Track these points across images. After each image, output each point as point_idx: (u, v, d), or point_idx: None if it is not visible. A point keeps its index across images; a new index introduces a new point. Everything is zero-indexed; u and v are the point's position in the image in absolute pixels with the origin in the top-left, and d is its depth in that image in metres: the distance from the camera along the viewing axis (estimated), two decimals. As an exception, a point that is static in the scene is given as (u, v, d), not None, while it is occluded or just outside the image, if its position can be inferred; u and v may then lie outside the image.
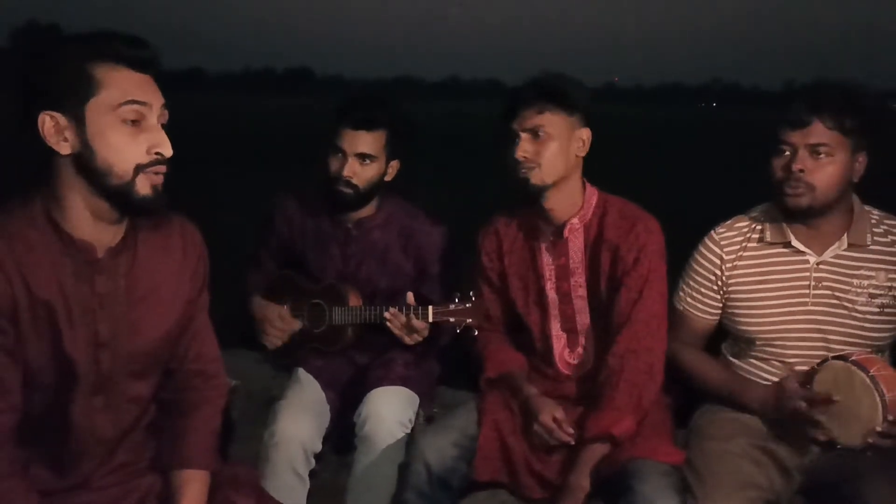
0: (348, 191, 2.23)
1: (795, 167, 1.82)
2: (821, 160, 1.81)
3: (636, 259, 1.93)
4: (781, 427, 1.90)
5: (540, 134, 1.91)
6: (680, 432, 2.04)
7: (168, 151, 1.38)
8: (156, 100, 1.39)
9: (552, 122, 1.92)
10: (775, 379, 1.93)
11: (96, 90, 1.33)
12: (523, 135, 1.93)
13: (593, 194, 2.02)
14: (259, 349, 2.47)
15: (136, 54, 1.36)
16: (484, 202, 2.79)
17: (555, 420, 1.92)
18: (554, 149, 1.92)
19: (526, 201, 2.03)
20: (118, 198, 1.38)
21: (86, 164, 1.35)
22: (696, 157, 18.05)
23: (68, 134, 1.34)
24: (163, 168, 1.40)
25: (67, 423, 1.46)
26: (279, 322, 2.37)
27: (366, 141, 2.21)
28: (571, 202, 1.99)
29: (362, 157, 2.21)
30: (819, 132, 1.80)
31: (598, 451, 1.87)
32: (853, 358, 1.78)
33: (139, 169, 1.36)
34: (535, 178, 1.92)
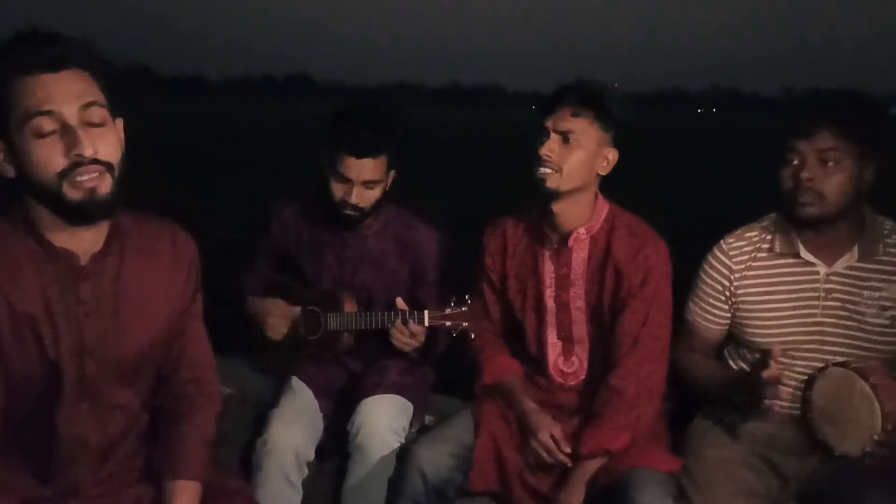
0: (355, 213, 2.22)
1: (804, 176, 1.80)
2: (829, 168, 1.79)
3: (643, 281, 1.90)
4: (780, 434, 1.88)
5: (570, 139, 1.88)
6: (677, 439, 2.02)
7: (87, 151, 1.29)
8: (69, 101, 1.29)
9: (585, 130, 1.88)
10: (781, 386, 1.91)
11: (11, 108, 1.29)
12: (553, 135, 1.90)
13: (604, 207, 1.99)
14: (254, 356, 2.46)
15: (40, 56, 1.27)
16: (484, 208, 2.78)
17: (552, 438, 1.92)
18: (579, 157, 1.89)
19: (537, 203, 2.01)
20: (56, 207, 1.34)
21: (26, 182, 1.33)
22: (695, 163, 18.07)
23: (8, 158, 1.33)
24: (91, 169, 1.31)
25: (53, 430, 1.45)
26: (277, 311, 2.35)
27: (370, 168, 2.16)
28: (581, 212, 1.97)
29: (368, 183, 2.18)
30: (826, 138, 1.78)
31: (592, 466, 1.88)
32: (854, 365, 1.77)
33: (62, 176, 1.30)
34: (552, 181, 1.89)
